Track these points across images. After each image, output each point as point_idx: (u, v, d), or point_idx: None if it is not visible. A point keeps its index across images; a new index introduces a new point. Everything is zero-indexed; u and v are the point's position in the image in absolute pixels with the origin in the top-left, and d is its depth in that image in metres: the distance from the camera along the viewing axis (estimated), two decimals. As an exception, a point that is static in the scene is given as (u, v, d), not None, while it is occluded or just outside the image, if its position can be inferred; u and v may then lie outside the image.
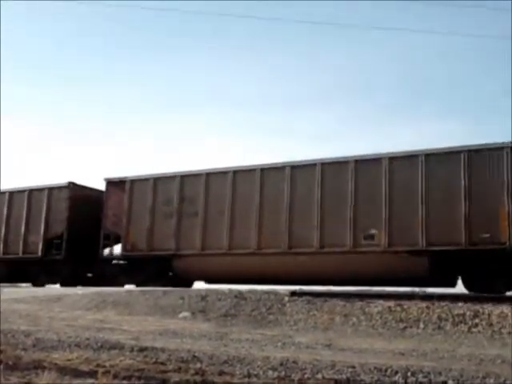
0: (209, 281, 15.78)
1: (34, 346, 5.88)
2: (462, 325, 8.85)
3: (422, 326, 9.01)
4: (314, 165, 14.27)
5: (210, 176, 15.62)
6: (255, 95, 53.39)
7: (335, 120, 52.08)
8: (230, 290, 11.63)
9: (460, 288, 13.12)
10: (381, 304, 9.88)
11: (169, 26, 51.03)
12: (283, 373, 4.67)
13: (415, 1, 33.17)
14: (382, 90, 50.00)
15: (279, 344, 7.08)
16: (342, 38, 51.04)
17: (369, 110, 49.62)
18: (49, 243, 17.53)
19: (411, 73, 48.82)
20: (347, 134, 51.77)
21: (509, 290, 12.30)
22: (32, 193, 18.21)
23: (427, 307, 9.50)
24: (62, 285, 17.34)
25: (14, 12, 47.96)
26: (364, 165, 13.83)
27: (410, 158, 13.40)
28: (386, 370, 4.82)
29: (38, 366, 4.65)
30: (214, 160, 45.78)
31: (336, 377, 4.60)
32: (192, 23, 53.43)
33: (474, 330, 8.68)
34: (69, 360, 5.02)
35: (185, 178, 15.97)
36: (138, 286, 15.68)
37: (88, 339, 6.42)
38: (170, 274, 16.08)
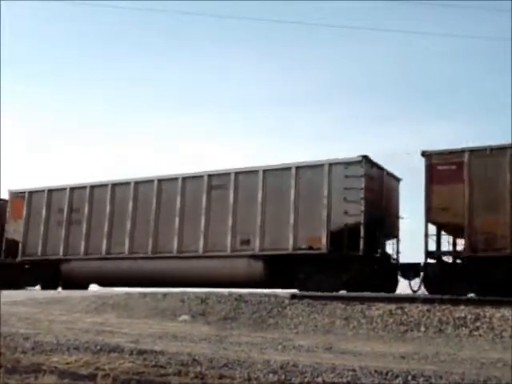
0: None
1: (33, 349, 5.86)
2: (463, 328, 8.82)
3: (422, 329, 8.98)
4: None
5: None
6: (254, 95, 53.48)
7: (335, 120, 52.14)
8: (230, 293, 11.60)
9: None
10: (382, 307, 9.86)
11: (171, 28, 51.14)
12: (283, 376, 4.65)
13: (417, 2, 33.23)
14: (382, 90, 50.08)
15: (279, 347, 7.05)
16: (343, 38, 51.12)
17: (369, 110, 49.67)
18: None
19: (411, 73, 48.93)
20: (348, 135, 51.78)
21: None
22: None
23: (428, 310, 9.47)
24: None
25: (15, 12, 48.09)
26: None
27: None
28: (386, 374, 4.80)
29: (37, 370, 4.64)
30: (213, 161, 45.88)
31: (336, 380, 4.58)
32: (194, 24, 53.55)
33: (475, 333, 8.65)
34: (68, 363, 5.00)
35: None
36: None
37: (87, 342, 6.40)
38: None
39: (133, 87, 54.77)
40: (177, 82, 53.63)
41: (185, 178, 16.11)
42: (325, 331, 9.23)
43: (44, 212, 18.05)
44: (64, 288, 15.94)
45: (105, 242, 16.75)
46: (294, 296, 11.08)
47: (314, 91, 50.21)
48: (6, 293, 14.47)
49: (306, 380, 4.55)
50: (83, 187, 17.61)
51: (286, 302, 10.70)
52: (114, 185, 17.15)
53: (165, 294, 11.95)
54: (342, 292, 13.41)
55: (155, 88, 53.76)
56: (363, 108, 50.57)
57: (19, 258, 18.28)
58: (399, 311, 9.60)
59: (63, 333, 7.65)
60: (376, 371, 4.88)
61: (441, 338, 8.51)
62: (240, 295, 11.30)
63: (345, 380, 4.59)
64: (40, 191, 18.40)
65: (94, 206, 17.31)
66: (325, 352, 6.78)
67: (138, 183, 16.77)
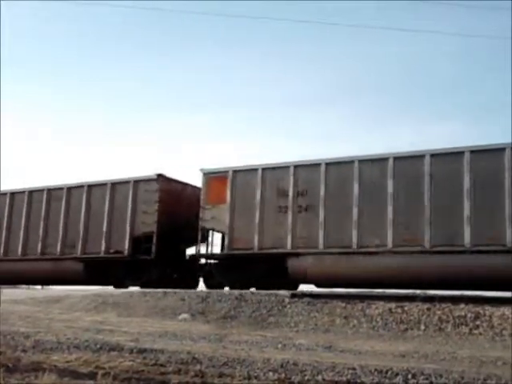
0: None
1: (33, 347, 5.87)
2: (463, 326, 8.83)
3: (422, 327, 8.99)
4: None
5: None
6: (258, 95, 53.48)
7: (341, 120, 52.20)
8: (230, 292, 11.61)
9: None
10: (381, 305, 9.86)
11: (174, 27, 51.13)
12: (283, 375, 4.65)
13: (418, 1, 33.20)
14: (387, 90, 50.13)
15: (279, 346, 7.06)
16: (346, 37, 51.14)
17: (375, 110, 49.73)
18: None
19: (417, 73, 48.96)
20: (354, 134, 51.87)
21: None
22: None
23: (428, 309, 9.48)
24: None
25: (15, 12, 48.11)
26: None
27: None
28: (386, 372, 4.81)
29: (37, 368, 4.64)
30: (214, 161, 45.82)
31: (336, 379, 4.58)
32: (195, 24, 53.56)
33: (475, 331, 8.66)
34: (68, 362, 5.01)
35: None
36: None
37: (87, 341, 6.40)
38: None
39: (135, 87, 54.80)
40: (180, 81, 53.67)
41: (474, 152, 12.52)
42: (325, 330, 9.24)
43: (258, 195, 14.52)
44: (278, 288, 12.84)
45: (354, 232, 13.24)
46: (294, 295, 11.09)
47: (320, 91, 50.26)
48: (6, 291, 14.49)
49: (305, 378, 4.56)
50: (315, 165, 14.12)
51: (286, 300, 10.70)
52: (362, 161, 13.59)
53: (165, 293, 11.96)
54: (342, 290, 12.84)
55: (158, 88, 53.85)
56: (369, 107, 50.62)
57: (225, 252, 14.77)
58: (399, 310, 9.61)
59: (63, 331, 7.65)
60: (376, 370, 4.89)
61: (441, 337, 8.52)
62: (240, 294, 11.31)
63: (345, 378, 4.60)
64: (249, 170, 14.88)
65: (331, 187, 13.83)
66: (325, 351, 6.78)
67: (397, 159, 13.28)
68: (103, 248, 15.96)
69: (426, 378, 4.65)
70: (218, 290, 12.27)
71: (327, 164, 13.87)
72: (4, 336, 6.63)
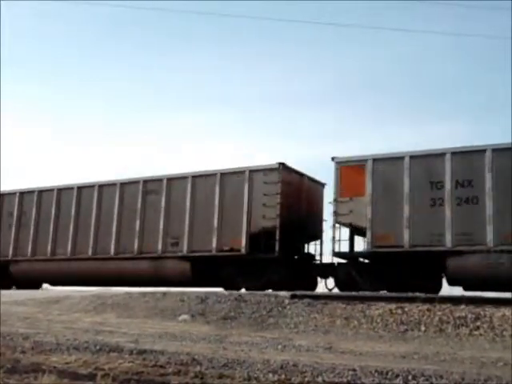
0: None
1: (32, 348, 5.85)
2: (464, 327, 8.81)
3: (423, 328, 8.97)
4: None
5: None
6: (257, 95, 53.50)
7: (337, 120, 52.18)
8: (230, 293, 11.59)
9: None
10: (382, 306, 9.84)
11: (173, 27, 51.18)
12: (283, 376, 4.63)
13: (419, 1, 33.24)
14: (385, 90, 50.15)
15: (279, 347, 7.04)
16: (345, 38, 51.18)
17: (372, 110, 49.73)
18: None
19: (414, 73, 49.00)
20: (351, 135, 51.84)
21: None
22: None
23: (428, 310, 9.46)
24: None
25: (15, 12, 48.15)
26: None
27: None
28: (386, 373, 4.79)
29: (36, 369, 4.63)
30: (214, 161, 45.82)
31: (336, 380, 4.57)
32: (195, 24, 53.58)
33: (475, 332, 8.64)
34: (67, 363, 4.99)
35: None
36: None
37: (87, 342, 6.39)
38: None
39: (134, 87, 54.83)
40: (180, 81, 53.69)
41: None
42: (325, 331, 9.21)
43: (406, 187, 12.95)
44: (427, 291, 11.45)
45: None
46: (293, 295, 11.07)
47: (317, 91, 50.26)
48: (6, 292, 14.46)
49: (306, 380, 4.54)
50: (478, 151, 12.54)
51: (286, 301, 10.68)
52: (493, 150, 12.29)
53: (164, 294, 11.94)
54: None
55: (157, 88, 53.83)
56: (369, 107, 50.63)
57: (368, 249, 13.24)
58: (399, 311, 9.59)
59: (63, 332, 7.64)
60: (376, 371, 4.87)
61: (441, 338, 8.50)
62: (240, 295, 11.29)
63: (345, 380, 4.58)
64: (393, 158, 13.33)
65: (498, 176, 12.24)
66: (325, 352, 6.77)
67: None
68: (214, 245, 14.52)
69: (427, 379, 4.63)
70: (218, 291, 12.22)
71: (494, 150, 12.35)
72: (3, 337, 6.62)
